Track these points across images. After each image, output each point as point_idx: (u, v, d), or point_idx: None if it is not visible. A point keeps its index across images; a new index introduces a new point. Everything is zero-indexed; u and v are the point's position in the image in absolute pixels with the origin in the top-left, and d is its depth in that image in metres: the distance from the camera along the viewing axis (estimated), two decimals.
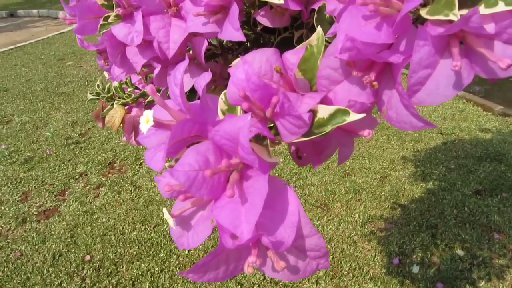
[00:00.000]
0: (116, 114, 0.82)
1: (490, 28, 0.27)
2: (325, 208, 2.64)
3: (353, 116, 0.32)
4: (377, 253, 2.24)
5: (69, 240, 2.49)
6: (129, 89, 0.83)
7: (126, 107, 0.85)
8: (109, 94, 0.85)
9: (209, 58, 0.57)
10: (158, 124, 0.33)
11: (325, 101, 0.34)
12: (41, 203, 2.86)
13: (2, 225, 2.65)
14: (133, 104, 0.83)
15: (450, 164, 2.98)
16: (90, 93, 0.87)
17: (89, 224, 2.62)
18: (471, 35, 0.28)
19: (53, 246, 2.44)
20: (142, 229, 2.54)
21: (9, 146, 3.60)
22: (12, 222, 2.68)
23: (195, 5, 0.45)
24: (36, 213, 2.76)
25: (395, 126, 0.32)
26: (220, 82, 0.59)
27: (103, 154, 3.38)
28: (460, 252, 2.21)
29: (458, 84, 0.30)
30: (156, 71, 0.52)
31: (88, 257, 2.34)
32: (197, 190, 0.30)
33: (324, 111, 0.33)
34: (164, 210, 0.35)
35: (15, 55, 6.35)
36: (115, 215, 2.68)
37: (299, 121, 0.31)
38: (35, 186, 3.05)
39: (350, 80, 0.33)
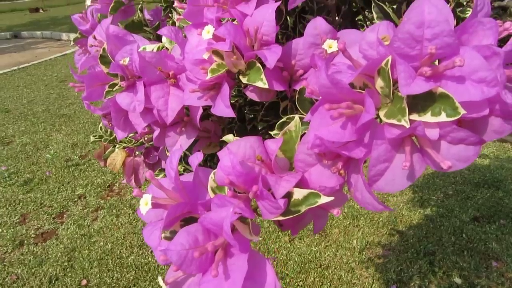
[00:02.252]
0: (117, 157, 0.87)
1: (435, 132, 0.32)
2: (323, 234, 2.65)
3: (324, 199, 0.37)
4: (374, 281, 2.25)
5: (66, 263, 2.49)
6: (130, 134, 0.88)
7: (126, 150, 0.90)
8: (111, 137, 0.90)
9: (204, 118, 0.62)
10: (156, 205, 0.38)
11: (302, 179, 0.39)
12: (39, 225, 2.88)
13: None
14: (134, 147, 0.88)
15: (448, 190, 2.98)
16: (93, 136, 0.92)
17: (87, 247, 2.63)
18: (421, 136, 0.33)
19: (50, 269, 2.45)
20: (140, 253, 2.55)
21: (9, 167, 3.63)
22: (9, 244, 2.69)
23: (190, 83, 0.50)
24: (34, 235, 2.77)
25: (361, 206, 0.37)
26: (214, 139, 0.64)
27: (103, 177, 3.41)
28: (458, 280, 2.21)
29: (411, 176, 0.35)
30: (156, 133, 0.58)
31: (84, 282, 2.35)
32: (187, 267, 0.34)
33: (299, 194, 0.38)
34: (159, 278, 0.39)
35: (18, 76, 6.45)
36: (113, 239, 2.69)
37: (276, 205, 0.36)
38: (33, 208, 3.07)
39: (322, 164, 0.38)
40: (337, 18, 0.63)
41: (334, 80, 0.32)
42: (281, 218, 0.37)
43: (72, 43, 0.94)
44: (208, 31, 0.47)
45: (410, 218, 2.72)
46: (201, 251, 0.33)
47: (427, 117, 0.32)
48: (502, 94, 0.33)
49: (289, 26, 0.58)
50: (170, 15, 1.01)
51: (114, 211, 2.97)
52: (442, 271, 2.27)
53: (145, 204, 0.37)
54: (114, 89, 0.55)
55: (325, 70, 0.33)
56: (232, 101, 0.66)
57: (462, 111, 0.31)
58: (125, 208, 2.99)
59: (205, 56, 0.49)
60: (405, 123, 0.32)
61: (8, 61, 7.35)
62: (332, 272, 2.33)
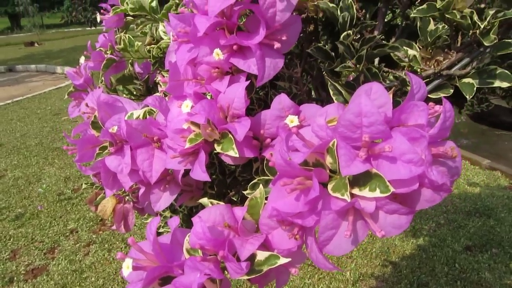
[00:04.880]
0: (108, 204, 0.92)
1: (372, 205, 0.39)
2: (316, 266, 2.64)
3: (282, 260, 0.43)
4: None
5: None
6: None
7: (116, 197, 0.95)
8: None
9: (187, 173, 0.68)
10: (136, 268, 0.43)
11: (266, 240, 0.45)
12: (30, 261, 2.85)
13: None
14: (124, 195, 0.94)
15: (440, 219, 2.99)
16: (85, 184, 0.97)
17: (78, 284, 2.61)
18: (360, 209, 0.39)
19: None
20: None
21: (0, 202, 3.63)
22: None
23: (171, 149, 0.57)
24: (24, 272, 2.75)
25: (316, 265, 0.42)
26: (196, 193, 0.71)
27: None
28: None
29: (355, 240, 0.41)
30: (141, 191, 0.64)
31: None
32: None
33: (261, 255, 0.44)
34: None
35: (12, 109, 6.50)
36: (105, 274, 2.67)
37: (240, 267, 0.42)
38: (24, 244, 3.05)
39: (282, 228, 0.44)
40: (307, 82, 0.71)
41: (287, 161, 0.39)
42: (246, 277, 0.42)
43: (66, 96, 1.00)
44: (187, 105, 0.54)
45: (403, 248, 2.72)
46: None
47: (366, 192, 0.39)
48: (427, 172, 0.40)
49: (263, 93, 0.65)
50: (160, 69, 1.08)
51: (106, 245, 2.96)
52: None
53: (126, 268, 0.43)
54: (104, 152, 0.61)
55: (281, 151, 0.39)
56: (212, 156, 0.73)
57: (392, 189, 0.37)
58: (117, 243, 2.98)
59: (185, 126, 0.55)
60: (346, 197, 0.38)
61: (2, 94, 7.42)
62: None
